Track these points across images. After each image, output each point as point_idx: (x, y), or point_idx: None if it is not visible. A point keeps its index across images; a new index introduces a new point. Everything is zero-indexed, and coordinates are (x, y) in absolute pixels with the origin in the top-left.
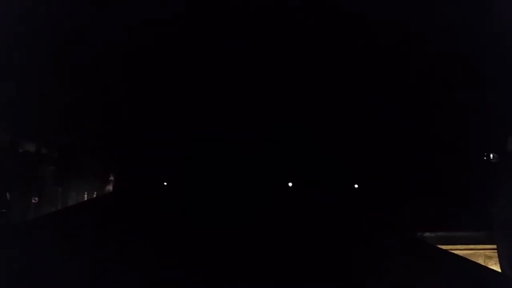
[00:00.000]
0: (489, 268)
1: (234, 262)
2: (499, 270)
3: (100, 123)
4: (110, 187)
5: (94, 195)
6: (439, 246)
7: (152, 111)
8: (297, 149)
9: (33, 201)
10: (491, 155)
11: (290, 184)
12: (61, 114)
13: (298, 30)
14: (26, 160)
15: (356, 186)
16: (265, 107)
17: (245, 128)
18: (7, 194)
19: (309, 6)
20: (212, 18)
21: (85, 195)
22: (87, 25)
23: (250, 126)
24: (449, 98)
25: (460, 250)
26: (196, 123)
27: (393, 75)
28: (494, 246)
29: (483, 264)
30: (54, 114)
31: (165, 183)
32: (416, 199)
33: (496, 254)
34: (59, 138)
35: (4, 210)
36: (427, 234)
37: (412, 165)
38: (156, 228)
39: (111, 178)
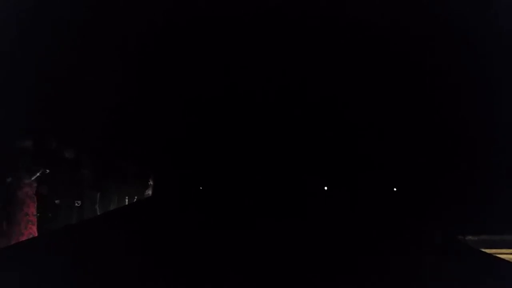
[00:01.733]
0: None
1: (281, 263)
2: None
3: (140, 127)
4: (149, 192)
5: (135, 200)
6: (483, 250)
7: (190, 115)
8: (330, 150)
9: (76, 204)
10: None
11: (325, 188)
12: (100, 119)
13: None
14: (69, 165)
15: (395, 189)
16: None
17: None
18: (56, 200)
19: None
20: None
21: (126, 199)
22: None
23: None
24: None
25: (505, 254)
26: (232, 125)
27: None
28: None
29: None
30: (93, 119)
31: (201, 187)
32: (459, 200)
33: None
34: (100, 143)
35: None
36: (469, 237)
37: (457, 166)
38: (195, 231)
39: (151, 182)
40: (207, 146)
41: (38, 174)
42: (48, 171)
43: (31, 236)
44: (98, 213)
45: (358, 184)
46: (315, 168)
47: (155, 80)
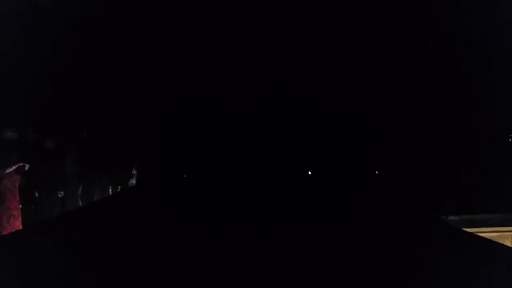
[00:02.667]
0: None
1: (266, 257)
2: None
3: (122, 116)
4: (133, 181)
5: (118, 189)
6: (464, 229)
7: (173, 103)
8: (313, 136)
9: (59, 195)
10: None
11: (309, 173)
12: (82, 109)
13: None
14: (50, 156)
15: (376, 172)
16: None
17: (262, 117)
18: (35, 192)
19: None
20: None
21: (110, 190)
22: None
23: (267, 115)
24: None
25: (486, 233)
26: (216, 114)
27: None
28: None
29: (510, 246)
30: (74, 109)
31: (185, 175)
32: (440, 181)
33: None
34: (82, 133)
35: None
36: (451, 217)
37: (435, 147)
38: (179, 222)
39: (134, 172)
40: (191, 134)
41: (15, 166)
42: (27, 163)
43: (14, 230)
44: (81, 204)
45: (337, 167)
46: (306, 159)
47: (139, 69)
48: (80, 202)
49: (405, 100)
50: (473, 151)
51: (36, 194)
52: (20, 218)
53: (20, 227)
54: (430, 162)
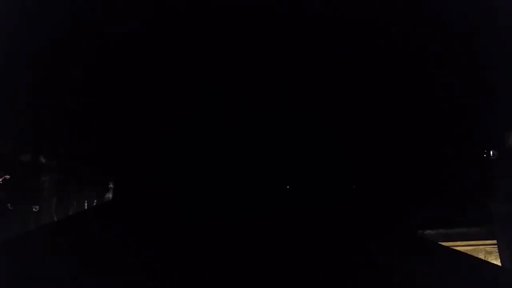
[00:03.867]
0: (490, 263)
1: (242, 265)
2: (499, 264)
3: (99, 130)
4: (109, 195)
5: (94, 203)
6: (440, 243)
7: (150, 115)
8: (295, 149)
9: (33, 209)
10: (491, 152)
11: (288, 187)
12: (59, 121)
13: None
14: (26, 169)
15: (353, 186)
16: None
17: (242, 127)
18: (8, 204)
19: None
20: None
21: (85, 203)
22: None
23: (248, 126)
24: (446, 96)
25: (461, 246)
26: (196, 126)
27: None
28: (494, 241)
29: (483, 259)
30: (52, 121)
31: (162, 188)
32: (415, 196)
33: (496, 249)
34: (58, 146)
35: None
36: (427, 231)
37: (410, 163)
38: (157, 233)
39: (111, 185)
40: (166, 147)
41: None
42: (8, 176)
43: None
44: (55, 219)
45: (318, 182)
46: (279, 165)
47: (115, 81)
48: (55, 216)
49: (385, 114)
50: (448, 166)
51: (10, 207)
52: None
53: None
54: (406, 176)
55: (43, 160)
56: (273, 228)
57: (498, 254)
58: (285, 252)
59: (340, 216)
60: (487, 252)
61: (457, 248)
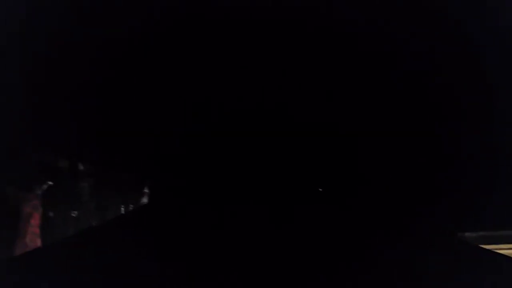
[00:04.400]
0: None
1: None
2: None
3: (134, 135)
4: (145, 199)
5: (130, 208)
6: (481, 246)
7: (183, 120)
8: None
9: (72, 215)
10: None
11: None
12: (97, 129)
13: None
14: (65, 176)
15: (387, 184)
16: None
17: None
18: (48, 210)
19: None
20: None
21: (122, 208)
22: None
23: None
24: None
25: (505, 250)
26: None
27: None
28: None
29: None
30: (90, 129)
31: (197, 192)
32: (456, 195)
33: None
34: (95, 153)
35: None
36: (468, 233)
37: (452, 160)
38: (192, 239)
39: (146, 190)
40: (202, 153)
41: (45, 186)
42: (51, 183)
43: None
44: (94, 224)
45: (357, 180)
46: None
47: (151, 88)
48: (93, 221)
49: (416, 106)
50: (491, 164)
51: (51, 214)
52: (39, 237)
53: (40, 245)
54: (445, 175)
55: (81, 166)
56: (305, 228)
57: None
58: (317, 259)
59: (374, 215)
60: None
61: (501, 252)
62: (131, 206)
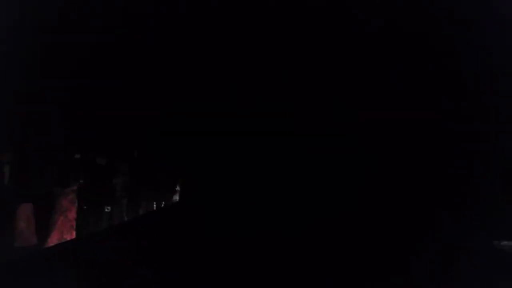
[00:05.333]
0: None
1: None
2: None
3: (169, 134)
4: (176, 197)
5: (162, 205)
6: None
7: (217, 118)
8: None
9: (106, 210)
10: None
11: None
12: (131, 127)
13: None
14: (100, 173)
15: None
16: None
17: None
18: (83, 205)
19: None
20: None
21: (154, 205)
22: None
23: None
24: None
25: None
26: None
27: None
28: None
29: None
30: (124, 127)
31: (229, 191)
32: (492, 202)
33: None
34: (129, 150)
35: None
36: (504, 242)
37: (488, 166)
38: (223, 237)
39: (177, 188)
40: (233, 154)
41: (81, 181)
42: (82, 181)
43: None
44: (126, 218)
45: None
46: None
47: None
48: (125, 216)
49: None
50: None
51: (84, 207)
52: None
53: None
54: (481, 181)
55: (115, 163)
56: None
57: None
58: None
59: (407, 224)
60: None
61: None
62: (163, 203)
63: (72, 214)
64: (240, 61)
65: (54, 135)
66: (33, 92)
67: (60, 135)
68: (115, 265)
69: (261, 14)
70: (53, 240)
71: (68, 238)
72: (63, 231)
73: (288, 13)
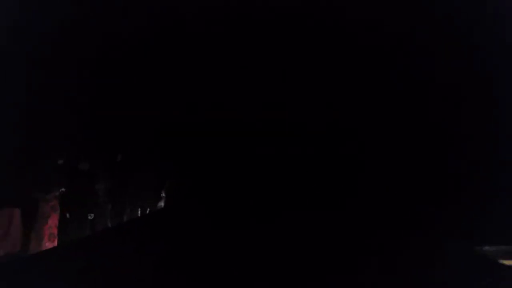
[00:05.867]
0: None
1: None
2: None
3: (152, 138)
4: (161, 203)
5: (147, 211)
6: (502, 261)
7: (203, 121)
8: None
9: (89, 217)
10: None
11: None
12: (114, 131)
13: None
14: (81, 178)
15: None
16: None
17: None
18: (65, 212)
19: None
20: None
21: (139, 211)
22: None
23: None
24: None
25: None
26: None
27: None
28: None
29: None
30: (106, 132)
31: (212, 197)
32: (474, 207)
33: None
34: (112, 155)
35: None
36: (486, 247)
37: (472, 172)
38: (208, 243)
39: (163, 194)
40: (218, 159)
41: (63, 188)
42: (64, 189)
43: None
44: (110, 225)
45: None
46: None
47: (160, 86)
48: (110, 223)
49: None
50: (510, 177)
51: (67, 215)
52: (57, 237)
53: (56, 245)
54: (463, 188)
55: (97, 169)
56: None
57: None
58: (332, 265)
59: (393, 225)
60: None
61: None
62: (148, 208)
63: (54, 221)
64: (229, 62)
65: (37, 139)
66: (17, 99)
67: (43, 139)
68: (98, 273)
69: (258, 15)
70: (34, 247)
71: (49, 246)
72: (44, 239)
73: (281, 16)
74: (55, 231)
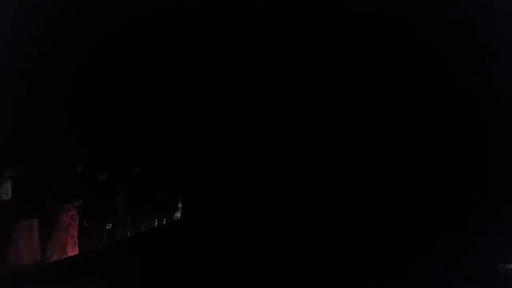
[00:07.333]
0: None
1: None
2: None
3: (169, 151)
4: (178, 214)
5: (164, 222)
6: None
7: (221, 137)
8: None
9: (107, 227)
10: None
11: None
12: (133, 145)
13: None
14: (101, 190)
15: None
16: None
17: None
18: (84, 222)
19: None
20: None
21: (156, 222)
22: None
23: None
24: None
25: None
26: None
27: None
28: None
29: None
30: (126, 145)
31: (230, 207)
32: (498, 224)
33: None
34: (130, 167)
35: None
36: (510, 266)
37: (495, 186)
38: (223, 254)
39: (179, 205)
40: (232, 171)
41: (81, 199)
42: (81, 201)
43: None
44: (129, 235)
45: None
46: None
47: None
48: (128, 233)
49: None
50: None
51: (86, 224)
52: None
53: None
54: (487, 203)
55: (116, 181)
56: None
57: None
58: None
59: (414, 243)
60: None
61: None
62: (165, 220)
63: (74, 230)
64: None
65: (56, 151)
66: (35, 110)
67: (62, 151)
68: (119, 282)
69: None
70: (56, 255)
71: (71, 254)
72: (66, 247)
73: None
74: (76, 240)
